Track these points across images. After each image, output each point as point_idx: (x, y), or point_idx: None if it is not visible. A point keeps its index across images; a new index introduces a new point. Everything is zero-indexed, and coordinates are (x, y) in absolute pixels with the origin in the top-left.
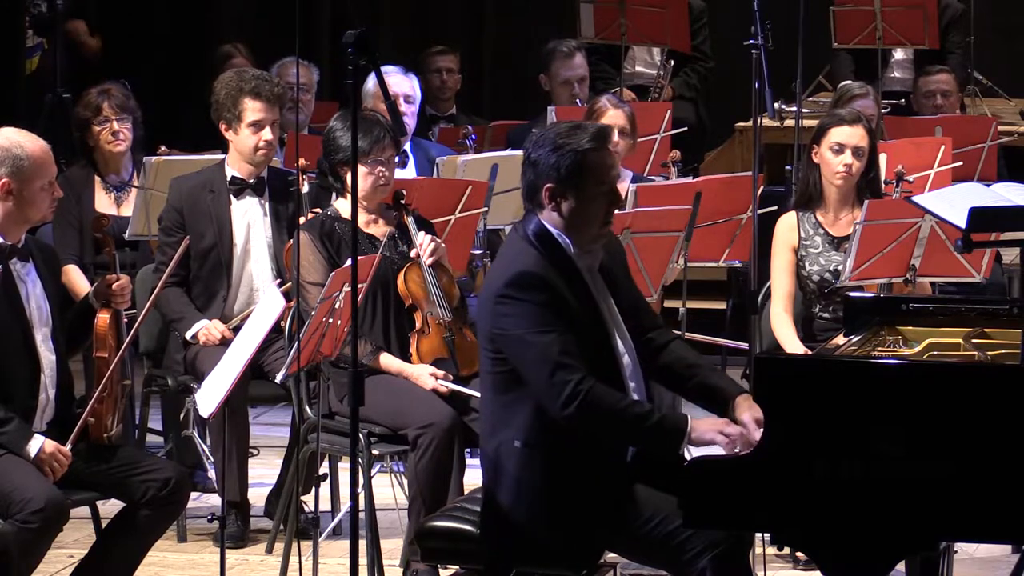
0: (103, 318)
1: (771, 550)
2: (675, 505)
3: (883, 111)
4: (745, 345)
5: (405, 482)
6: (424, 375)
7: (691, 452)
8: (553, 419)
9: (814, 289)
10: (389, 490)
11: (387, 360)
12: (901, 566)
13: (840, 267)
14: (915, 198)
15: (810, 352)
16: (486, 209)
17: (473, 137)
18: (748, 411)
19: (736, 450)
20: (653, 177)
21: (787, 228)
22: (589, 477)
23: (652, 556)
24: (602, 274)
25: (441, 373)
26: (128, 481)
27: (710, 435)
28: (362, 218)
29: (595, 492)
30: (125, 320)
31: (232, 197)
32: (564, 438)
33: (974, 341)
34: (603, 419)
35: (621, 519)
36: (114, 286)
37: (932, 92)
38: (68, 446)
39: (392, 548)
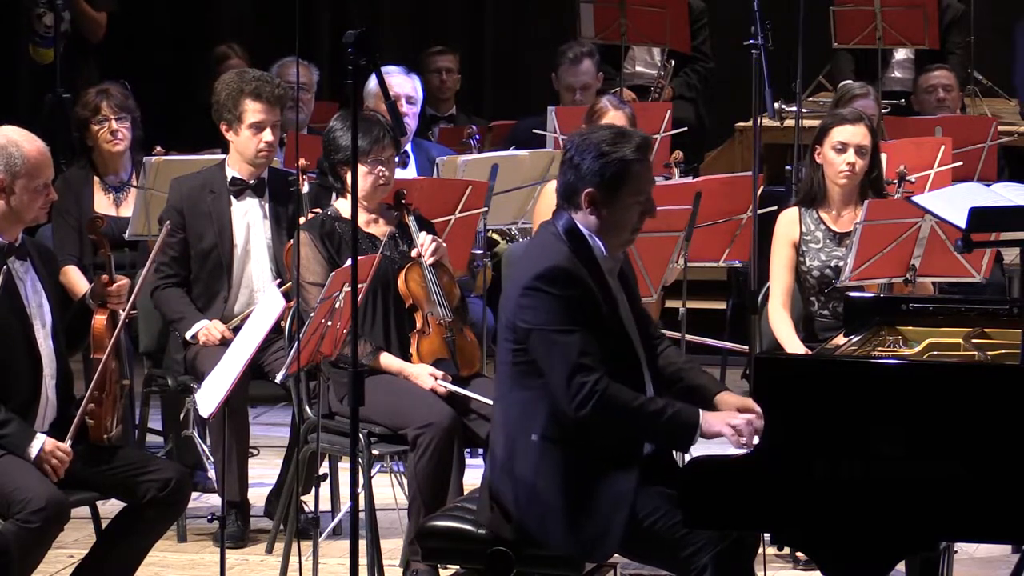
0: (100, 319)
1: (771, 550)
2: (675, 501)
3: (883, 111)
4: (745, 348)
5: (405, 482)
6: (424, 375)
7: (690, 451)
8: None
9: (813, 284)
10: (389, 490)
11: (387, 360)
12: (901, 566)
13: (841, 263)
14: (915, 198)
15: (810, 352)
16: (486, 209)
17: (477, 137)
18: (735, 404)
19: (743, 440)
20: (654, 177)
21: (788, 222)
22: (605, 473)
23: (652, 552)
24: (620, 280)
25: (440, 373)
26: (129, 481)
27: (718, 426)
28: (362, 218)
29: (609, 488)
30: (126, 320)
31: (232, 198)
32: (582, 434)
33: (974, 341)
34: (617, 418)
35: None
36: (112, 287)
37: (934, 87)
38: (67, 442)
39: (392, 548)
